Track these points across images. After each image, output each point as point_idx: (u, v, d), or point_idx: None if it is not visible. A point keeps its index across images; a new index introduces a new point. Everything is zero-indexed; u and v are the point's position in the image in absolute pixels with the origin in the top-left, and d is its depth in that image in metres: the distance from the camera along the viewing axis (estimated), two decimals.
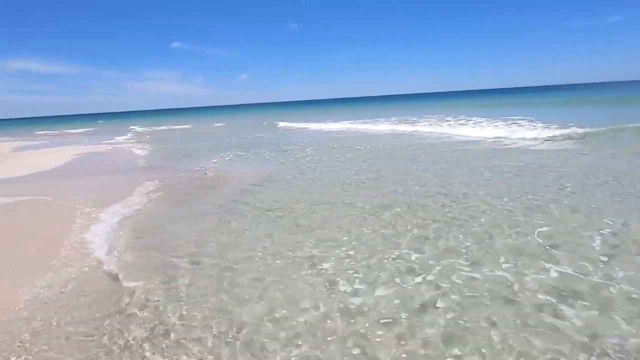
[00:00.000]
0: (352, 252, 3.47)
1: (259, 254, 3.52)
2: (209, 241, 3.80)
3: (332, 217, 4.44)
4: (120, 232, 4.11)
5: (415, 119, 18.93)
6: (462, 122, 15.61)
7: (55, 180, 7.80)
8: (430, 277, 2.98)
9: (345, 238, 3.79)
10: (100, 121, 58.22)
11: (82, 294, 2.90)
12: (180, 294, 2.85)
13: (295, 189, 5.95)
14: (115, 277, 3.11)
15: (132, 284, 3.00)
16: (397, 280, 2.96)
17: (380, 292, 2.81)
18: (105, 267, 3.29)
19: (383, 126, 16.40)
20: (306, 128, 18.76)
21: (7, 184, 7.62)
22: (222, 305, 2.71)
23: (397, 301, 2.66)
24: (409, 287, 2.84)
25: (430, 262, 3.23)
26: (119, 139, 19.74)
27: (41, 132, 32.31)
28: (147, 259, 3.45)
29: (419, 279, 2.96)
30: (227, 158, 9.93)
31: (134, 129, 28.77)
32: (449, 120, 16.65)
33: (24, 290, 2.93)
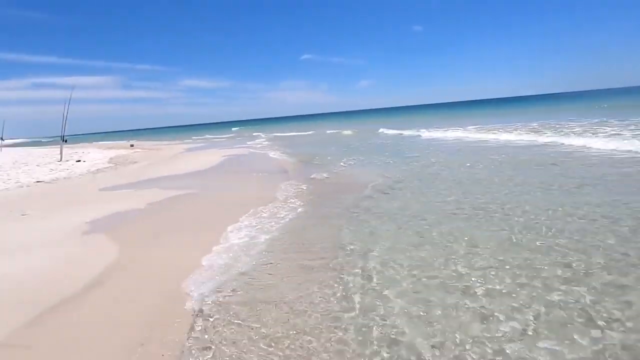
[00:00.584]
0: (508, 280, 2.97)
1: (401, 270, 3.26)
2: (345, 246, 3.83)
3: (475, 234, 3.95)
4: (276, 228, 4.54)
5: (562, 123, 15.86)
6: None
7: (215, 176, 9.67)
8: (616, 334, 2.30)
9: (501, 257, 3.32)
10: (236, 128, 67.27)
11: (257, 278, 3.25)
12: (326, 305, 2.89)
13: (425, 197, 5.68)
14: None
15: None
16: (571, 331, 2.35)
17: (546, 343, 2.27)
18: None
19: (526, 136, 13.23)
20: (427, 135, 17.78)
21: (187, 177, 9.59)
22: (362, 318, 2.64)
23: None
24: (587, 345, 2.22)
25: (617, 312, 2.52)
26: (250, 143, 22.67)
27: (196, 137, 39.51)
28: (289, 258, 3.69)
29: (596, 333, 2.32)
30: (351, 162, 10.13)
31: (259, 135, 32.44)
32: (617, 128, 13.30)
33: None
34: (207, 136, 41.32)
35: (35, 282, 3.29)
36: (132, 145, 26.99)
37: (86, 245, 4.28)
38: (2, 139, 45.70)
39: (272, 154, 14.47)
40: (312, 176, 8.37)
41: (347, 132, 26.06)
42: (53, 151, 22.92)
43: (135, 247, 4.19)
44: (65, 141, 17.90)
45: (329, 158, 11.73)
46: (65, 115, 17.64)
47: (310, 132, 29.36)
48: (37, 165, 14.28)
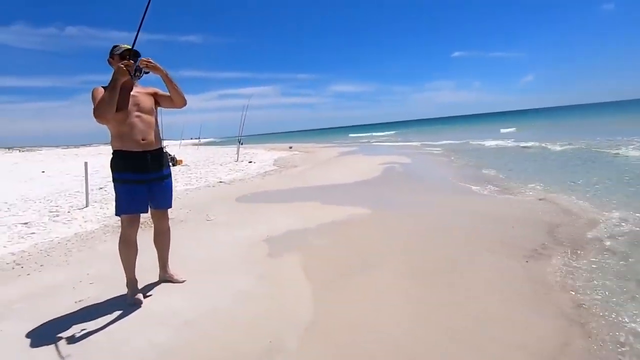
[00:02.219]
0: None
1: None
2: None
3: None
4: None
5: None
6: None
7: (384, 190, 8.07)
8: None
9: None
10: (379, 133, 66.46)
11: None
12: None
13: None
14: None
15: None
16: None
17: None
18: None
19: None
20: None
21: (351, 189, 8.63)
22: None
23: None
24: None
25: None
26: (403, 150, 20.98)
27: (344, 140, 40.45)
28: None
29: None
30: (584, 192, 7.39)
31: (408, 140, 30.21)
32: None
33: None
34: (351, 136, 42.00)
35: (232, 331, 2.65)
36: (290, 148, 29.30)
37: (276, 275, 3.60)
38: (199, 138, 57.58)
39: (439, 166, 12.56)
40: (513, 201, 6.25)
41: (518, 138, 21.42)
42: (230, 151, 26.79)
43: (328, 286, 3.30)
44: (242, 143, 20.33)
45: (520, 176, 9.13)
46: (242, 120, 20.10)
47: (460, 141, 25.66)
48: (220, 165, 16.44)
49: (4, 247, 5.18)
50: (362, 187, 8.77)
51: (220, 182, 10.83)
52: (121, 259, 3.13)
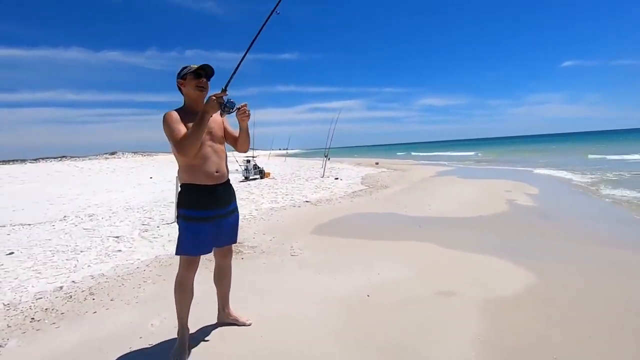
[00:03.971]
0: None
1: None
2: None
3: None
4: None
5: None
6: None
7: (549, 241, 5.82)
8: None
9: None
10: (475, 153, 60.61)
11: None
12: None
13: None
14: None
15: None
16: None
17: None
18: None
19: None
20: None
21: (467, 228, 6.73)
22: None
23: None
24: None
25: None
26: (521, 174, 17.84)
27: (434, 157, 37.38)
28: None
29: None
30: None
31: (512, 161, 26.06)
32: None
33: None
34: (414, 154, 38.72)
35: None
36: (377, 164, 27.93)
37: None
38: (287, 149, 59.89)
39: (588, 201, 9.91)
40: None
41: None
42: (316, 164, 26.60)
43: None
44: (328, 158, 19.72)
45: None
46: (331, 134, 19.51)
47: (594, 167, 20.94)
48: (306, 180, 15.92)
49: (89, 266, 4.95)
50: (488, 225, 6.68)
51: (307, 201, 10.05)
52: (175, 301, 2.77)
